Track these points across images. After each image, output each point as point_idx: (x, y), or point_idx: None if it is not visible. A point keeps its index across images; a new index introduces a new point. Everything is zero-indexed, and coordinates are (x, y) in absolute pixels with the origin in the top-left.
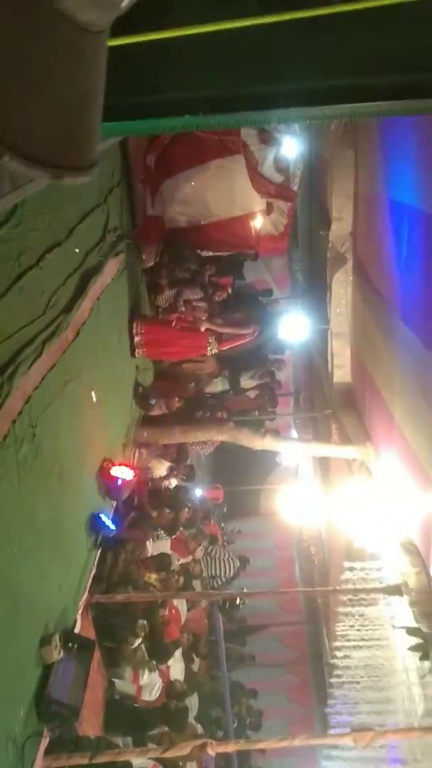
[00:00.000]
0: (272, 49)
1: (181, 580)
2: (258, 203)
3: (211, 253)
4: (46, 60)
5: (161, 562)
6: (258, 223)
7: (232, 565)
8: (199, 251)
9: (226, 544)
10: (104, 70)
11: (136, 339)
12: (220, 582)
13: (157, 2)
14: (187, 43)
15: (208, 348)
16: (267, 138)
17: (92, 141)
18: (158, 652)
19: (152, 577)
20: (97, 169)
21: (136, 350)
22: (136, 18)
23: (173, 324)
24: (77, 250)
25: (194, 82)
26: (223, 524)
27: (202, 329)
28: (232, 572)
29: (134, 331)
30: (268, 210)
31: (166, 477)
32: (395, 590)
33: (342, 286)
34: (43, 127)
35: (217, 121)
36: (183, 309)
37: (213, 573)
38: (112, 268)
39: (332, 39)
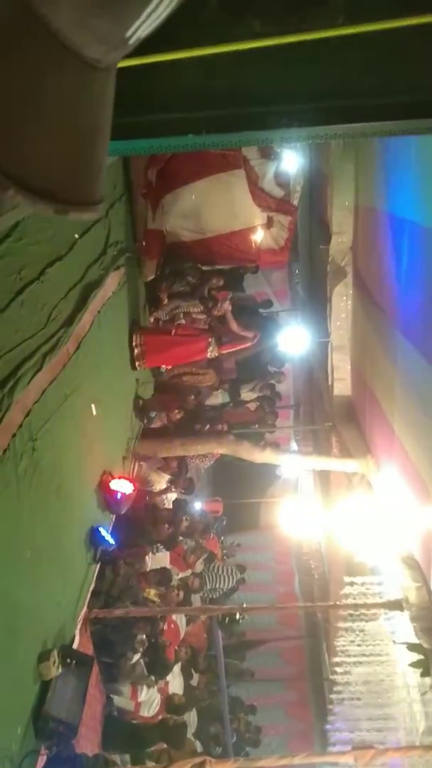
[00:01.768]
0: (275, 70)
1: (181, 594)
2: (258, 217)
3: (210, 268)
4: (52, 95)
5: (162, 576)
6: (258, 236)
7: (231, 578)
8: (199, 265)
9: (225, 558)
10: (111, 106)
11: (136, 351)
12: (219, 593)
13: (162, 26)
14: (190, 64)
15: (209, 351)
16: (268, 152)
17: (98, 177)
18: (157, 668)
19: (151, 593)
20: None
21: (136, 362)
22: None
23: (173, 333)
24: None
25: (197, 102)
26: (222, 538)
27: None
28: (231, 584)
29: (134, 342)
30: (269, 224)
31: (166, 490)
32: (396, 605)
33: (342, 300)
34: (48, 161)
35: (220, 140)
36: (183, 322)
37: (213, 586)
38: (113, 281)
39: (335, 60)
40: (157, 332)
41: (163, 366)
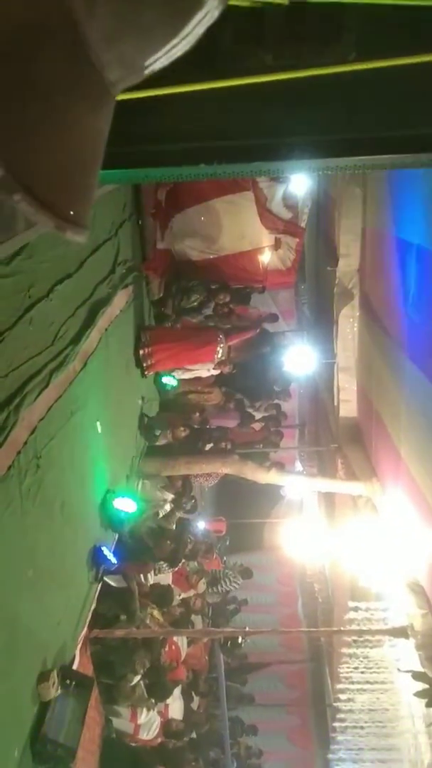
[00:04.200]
0: (287, 103)
1: (180, 611)
2: (266, 238)
3: (216, 286)
4: (70, 109)
5: (162, 597)
6: (266, 257)
7: (233, 581)
8: (207, 284)
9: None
10: (106, 138)
11: (146, 350)
12: (223, 589)
13: (178, 59)
14: (205, 96)
15: (219, 346)
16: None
17: (91, 203)
18: (157, 690)
19: (154, 613)
20: (111, 203)
21: (144, 363)
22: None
23: (179, 327)
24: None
25: (210, 133)
26: (225, 558)
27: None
28: (236, 585)
29: (143, 341)
30: (277, 245)
31: (170, 514)
32: (401, 632)
33: (349, 321)
34: (55, 176)
35: (232, 170)
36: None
37: (218, 590)
38: (120, 299)
39: (346, 94)
40: (164, 330)
41: (170, 382)
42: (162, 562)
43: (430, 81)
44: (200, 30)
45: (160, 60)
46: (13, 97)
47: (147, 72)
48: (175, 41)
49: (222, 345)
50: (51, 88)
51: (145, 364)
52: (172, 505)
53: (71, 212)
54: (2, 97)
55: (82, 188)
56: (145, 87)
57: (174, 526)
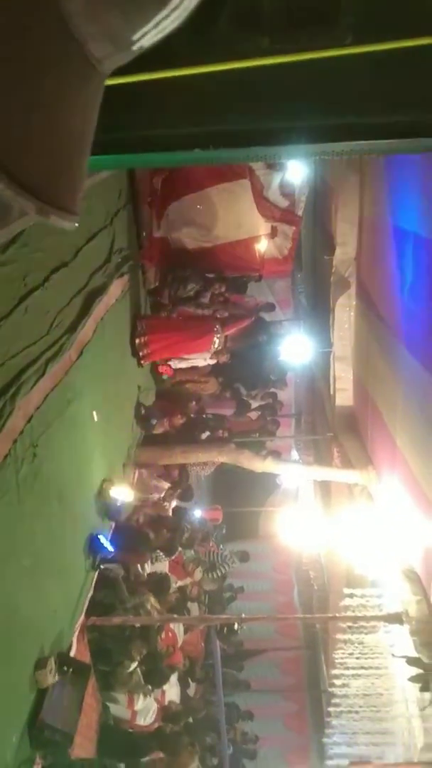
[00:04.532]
0: (283, 87)
1: (176, 597)
2: (263, 227)
3: (213, 275)
4: (52, 87)
5: (160, 585)
6: (262, 246)
7: (229, 560)
8: (203, 272)
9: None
10: (96, 119)
11: (141, 339)
12: (222, 571)
13: (170, 42)
14: (200, 80)
15: (216, 336)
16: (273, 163)
17: (80, 188)
18: (154, 677)
19: (151, 600)
20: (106, 191)
21: (140, 352)
22: (149, 56)
23: (175, 316)
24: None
25: (205, 118)
26: (221, 546)
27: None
28: (231, 566)
29: (138, 330)
30: (273, 233)
31: (164, 498)
32: (395, 618)
33: (345, 310)
34: (39, 158)
35: (227, 155)
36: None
37: (215, 576)
38: (116, 288)
39: (343, 78)
40: (159, 318)
41: (165, 373)
42: (159, 551)
43: (427, 65)
44: (190, 2)
45: (149, 34)
46: None
47: (135, 48)
48: (164, 13)
49: (218, 335)
50: (33, 66)
51: (140, 354)
52: (168, 493)
53: (56, 196)
54: None
55: (69, 171)
56: (140, 71)
57: (170, 514)
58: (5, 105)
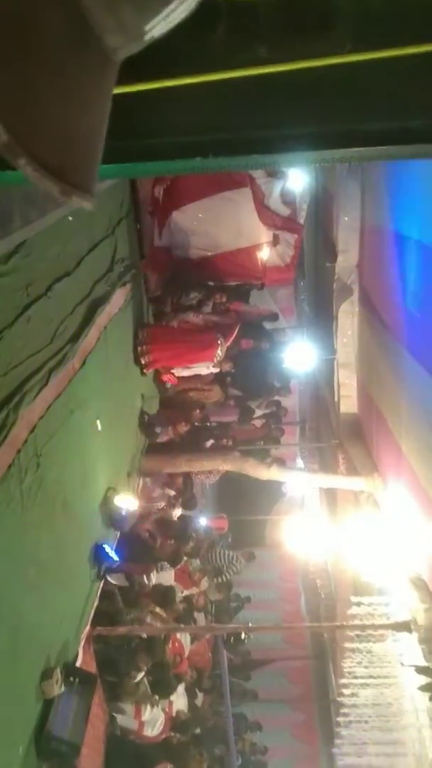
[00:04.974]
0: (282, 95)
1: (182, 606)
2: (264, 235)
3: (215, 283)
4: (72, 75)
5: (164, 596)
6: (264, 254)
7: (236, 560)
8: (205, 281)
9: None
10: (110, 106)
11: (142, 348)
12: (228, 576)
13: (168, 50)
14: (199, 89)
15: (219, 349)
16: (274, 171)
17: (96, 169)
18: (161, 687)
19: (157, 610)
20: (108, 200)
21: (142, 361)
22: (149, 66)
23: (176, 325)
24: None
25: (205, 126)
26: (227, 550)
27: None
28: (236, 566)
29: (139, 339)
30: (275, 242)
31: (168, 506)
32: (404, 627)
33: (348, 317)
34: (59, 141)
35: (228, 163)
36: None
37: (216, 564)
38: (119, 297)
39: (342, 85)
40: (161, 327)
41: (169, 382)
42: (164, 562)
43: (426, 71)
44: None
45: (159, 25)
46: (15, 64)
47: (147, 38)
48: (173, 5)
49: (222, 347)
50: (53, 55)
51: (142, 362)
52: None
53: (77, 177)
54: (5, 65)
55: (88, 153)
56: (139, 81)
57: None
58: (31, 95)
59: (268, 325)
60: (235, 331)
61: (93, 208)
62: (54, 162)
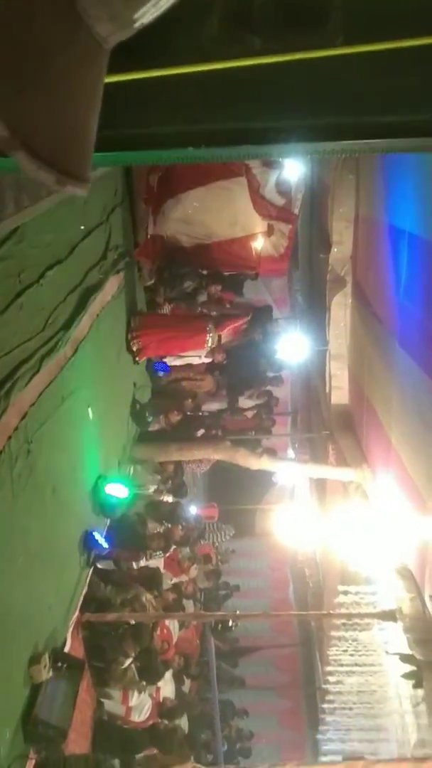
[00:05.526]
0: (275, 86)
1: (172, 597)
2: (259, 225)
3: (209, 273)
4: (64, 66)
5: (150, 579)
6: (259, 244)
7: (226, 534)
8: (199, 270)
9: (220, 562)
10: (102, 91)
11: (133, 335)
12: (217, 542)
13: (161, 40)
14: (191, 79)
15: (209, 336)
16: (269, 161)
17: (90, 156)
18: (149, 673)
19: (147, 596)
20: (102, 188)
21: (133, 348)
22: (142, 55)
23: (168, 312)
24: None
25: (197, 116)
26: (216, 544)
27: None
28: (227, 538)
29: (132, 326)
30: (269, 232)
31: (156, 493)
32: (389, 616)
33: (341, 309)
34: (54, 132)
35: (220, 153)
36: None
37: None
38: (112, 285)
39: (334, 78)
40: (153, 314)
41: (162, 369)
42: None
43: (419, 65)
44: None
45: (149, 12)
46: (9, 60)
47: (137, 25)
48: None
49: (211, 334)
50: (45, 48)
51: (134, 349)
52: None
53: (71, 166)
54: (1, 59)
55: (81, 142)
56: (132, 70)
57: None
58: (23, 87)
59: (266, 319)
60: (237, 323)
61: (86, 196)
62: (49, 153)
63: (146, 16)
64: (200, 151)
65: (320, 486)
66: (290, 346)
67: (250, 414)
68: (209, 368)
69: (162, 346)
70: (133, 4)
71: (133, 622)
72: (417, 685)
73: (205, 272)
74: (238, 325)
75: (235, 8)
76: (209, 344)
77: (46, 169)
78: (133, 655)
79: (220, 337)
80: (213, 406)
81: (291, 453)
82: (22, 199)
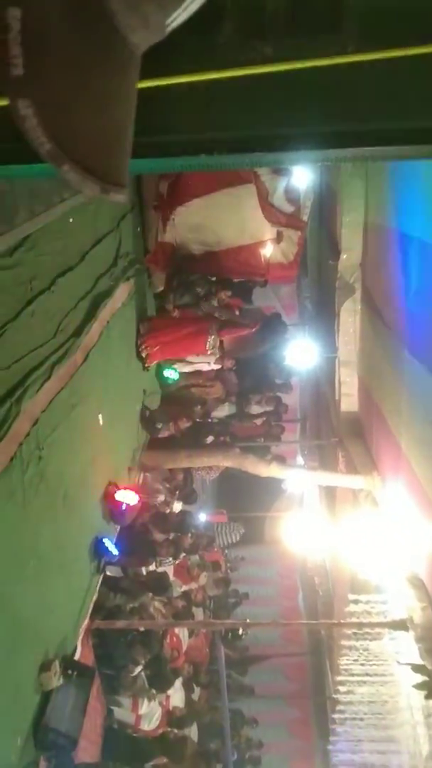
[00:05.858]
0: (286, 93)
1: (181, 604)
2: (268, 232)
3: (219, 280)
4: (104, 75)
5: (158, 583)
6: (268, 251)
7: (237, 533)
8: (209, 277)
9: (229, 571)
10: (135, 98)
11: (141, 340)
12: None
13: (174, 48)
14: (204, 87)
15: (210, 337)
16: (278, 168)
17: (127, 162)
18: (159, 681)
19: (156, 604)
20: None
21: (141, 353)
22: (154, 63)
23: (174, 315)
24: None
25: (210, 124)
26: (226, 551)
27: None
28: (236, 539)
29: (140, 332)
30: (278, 239)
31: (167, 502)
32: (400, 625)
33: (350, 316)
34: (95, 143)
35: (232, 161)
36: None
37: (220, 541)
38: (122, 292)
39: (345, 85)
40: (160, 319)
41: (171, 375)
42: (163, 558)
43: (430, 72)
44: None
45: (179, 18)
46: (52, 79)
47: (168, 30)
48: None
49: (212, 336)
50: (85, 63)
51: (142, 354)
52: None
53: (112, 174)
54: (43, 80)
55: (120, 149)
56: (145, 78)
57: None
58: (67, 102)
59: (276, 327)
60: (242, 332)
61: (126, 200)
62: (92, 163)
63: (178, 19)
64: (211, 158)
65: (330, 493)
66: (299, 352)
67: (259, 421)
68: (218, 375)
69: (167, 350)
70: (166, 10)
71: (142, 629)
72: (429, 696)
73: (214, 279)
74: (243, 335)
75: (247, 16)
76: (209, 346)
77: (91, 179)
78: (143, 662)
79: (222, 341)
80: (222, 413)
81: (300, 460)
82: (35, 207)
